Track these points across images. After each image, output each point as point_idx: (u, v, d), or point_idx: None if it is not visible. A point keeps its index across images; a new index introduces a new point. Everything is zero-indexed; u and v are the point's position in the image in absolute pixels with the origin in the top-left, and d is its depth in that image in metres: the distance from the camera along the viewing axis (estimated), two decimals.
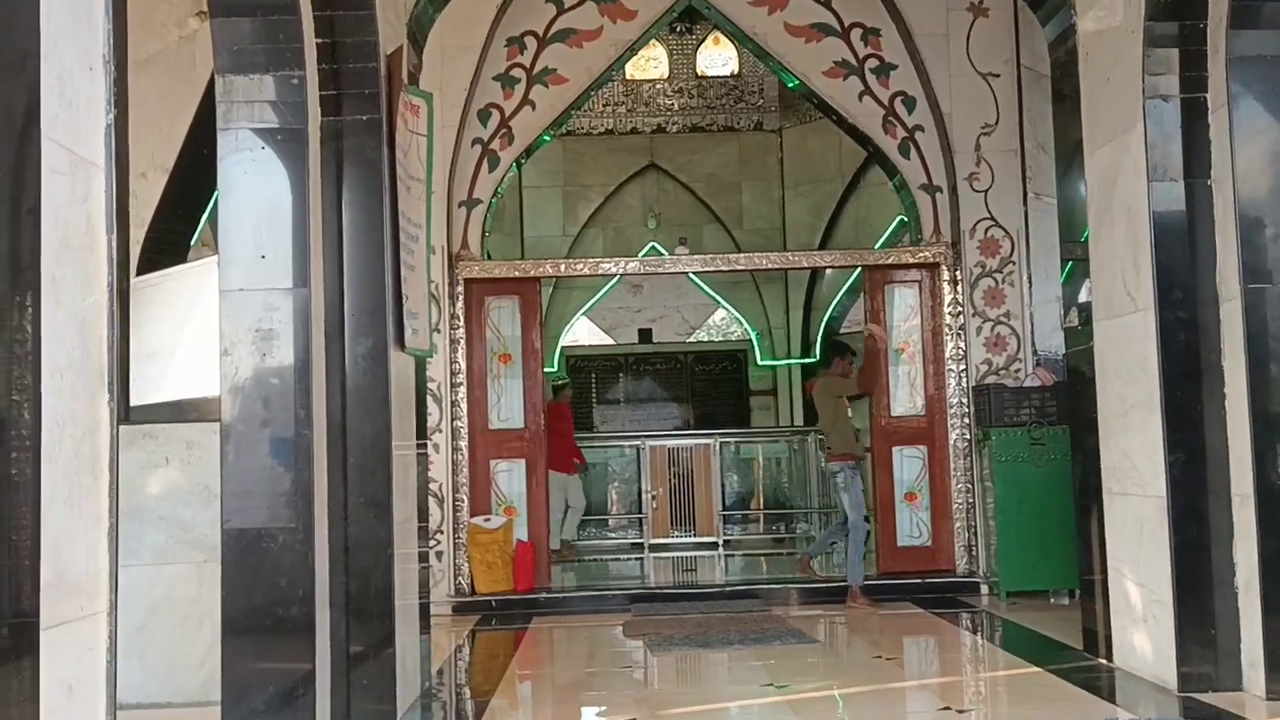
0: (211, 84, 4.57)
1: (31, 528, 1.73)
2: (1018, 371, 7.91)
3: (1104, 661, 5.33)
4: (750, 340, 16.20)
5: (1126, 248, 4.98)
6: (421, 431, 5.67)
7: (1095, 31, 5.26)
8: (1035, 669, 5.38)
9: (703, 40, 15.20)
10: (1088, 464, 5.57)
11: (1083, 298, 10.12)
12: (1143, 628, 4.96)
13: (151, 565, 5.14)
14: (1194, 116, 4.78)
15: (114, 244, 2.20)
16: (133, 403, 5.57)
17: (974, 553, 7.95)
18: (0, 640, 1.63)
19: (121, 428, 5.21)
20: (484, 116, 8.07)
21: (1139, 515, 4.96)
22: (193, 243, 8.23)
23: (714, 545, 10.57)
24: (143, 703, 4.99)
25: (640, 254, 14.03)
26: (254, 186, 4.52)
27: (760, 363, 16.18)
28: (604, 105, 15.09)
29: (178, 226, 7.92)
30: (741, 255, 9.72)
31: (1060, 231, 6.56)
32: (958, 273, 8.05)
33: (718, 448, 11.03)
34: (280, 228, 4.52)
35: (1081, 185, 5.64)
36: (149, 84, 6.87)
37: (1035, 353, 7.91)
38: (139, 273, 6.30)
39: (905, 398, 8.32)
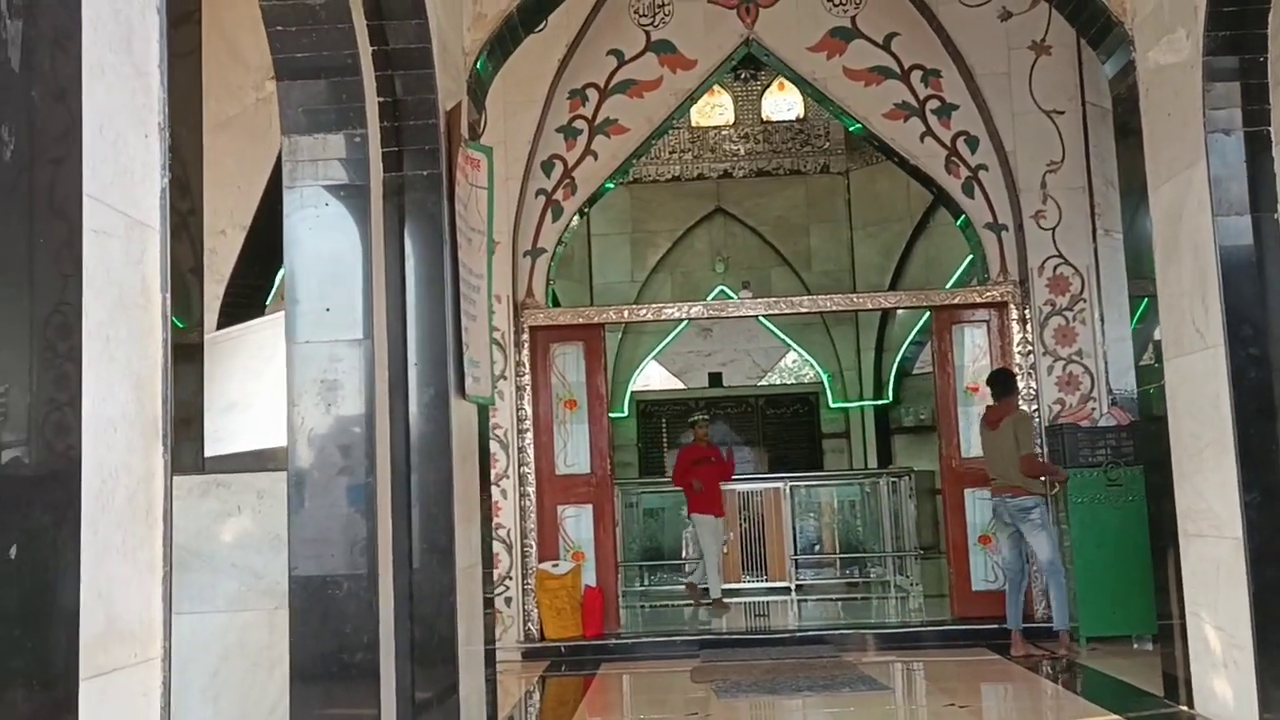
0: None
1: (76, 576, 1.80)
2: (1093, 410, 7.74)
3: (1185, 708, 5.16)
4: (822, 383, 16.10)
5: (1194, 284, 4.88)
6: (485, 478, 5.75)
7: (1155, 67, 5.20)
8: (1114, 717, 5.22)
9: (767, 86, 15.30)
10: (1162, 505, 5.43)
11: (1155, 335, 9.92)
12: (1223, 673, 4.80)
13: (225, 612, 5.25)
14: (1257, 150, 4.69)
15: (168, 302, 2.29)
16: (211, 453, 5.74)
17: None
18: (45, 688, 1.70)
19: (195, 478, 5.40)
20: (547, 168, 8.21)
21: (1215, 557, 4.81)
22: (270, 298, 8.50)
23: (786, 590, 10.45)
24: None
25: (708, 297, 14.10)
26: (319, 241, 4.66)
27: (832, 405, 16.07)
28: (670, 152, 15.24)
29: (255, 281, 8.17)
30: (805, 298, 9.67)
31: (1128, 268, 6.44)
32: (1026, 311, 7.93)
33: (788, 491, 10.94)
34: (344, 281, 4.65)
35: (1148, 222, 5.55)
36: (228, 145, 7.13)
37: (1110, 391, 7.75)
38: (218, 327, 6.52)
39: (977, 439, 8.17)
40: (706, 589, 9.49)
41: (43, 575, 1.70)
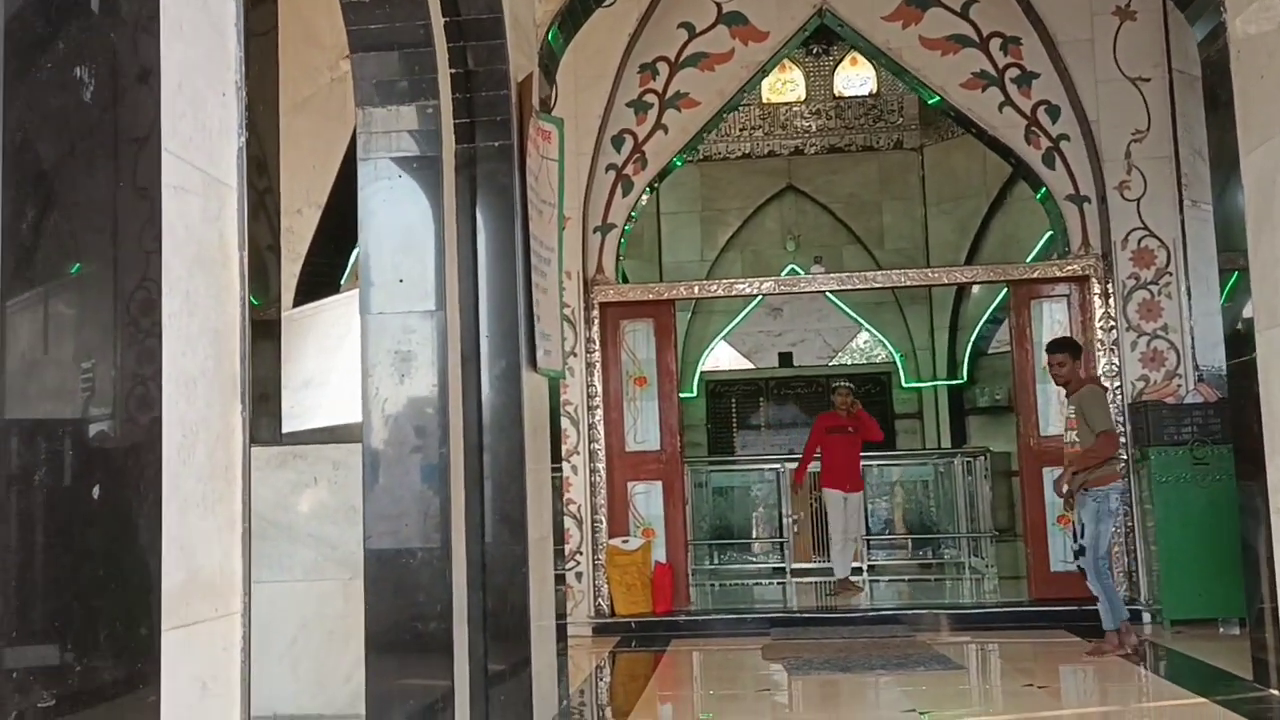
0: None
1: (158, 525, 1.81)
2: (1178, 387, 7.51)
3: (1275, 693, 4.99)
4: (894, 362, 15.88)
5: None
6: (556, 452, 5.75)
7: (1246, 28, 4.99)
8: (1200, 699, 5.07)
9: (839, 61, 15.08)
10: (1252, 484, 5.24)
11: (1246, 310, 9.59)
12: None
13: (302, 582, 5.33)
14: None
15: (245, 261, 2.30)
16: (288, 429, 5.82)
17: (1134, 579, 7.56)
18: (129, 632, 1.71)
19: (272, 449, 5.48)
20: (617, 142, 8.17)
21: None
22: (345, 276, 8.59)
23: (858, 570, 10.34)
24: (295, 714, 5.17)
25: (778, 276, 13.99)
26: (392, 213, 4.68)
27: (905, 385, 15.84)
28: (740, 129, 15.11)
29: (331, 260, 8.27)
30: (879, 273, 9.53)
31: (1218, 240, 6.21)
32: (1109, 285, 7.71)
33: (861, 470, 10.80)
34: (417, 252, 4.66)
35: (1239, 190, 5.34)
36: (304, 125, 7.21)
37: (1196, 368, 7.51)
38: (294, 305, 6.60)
39: (1056, 417, 7.98)
40: (851, 580, 9.09)
41: (126, 521, 1.71)
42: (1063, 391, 8.02)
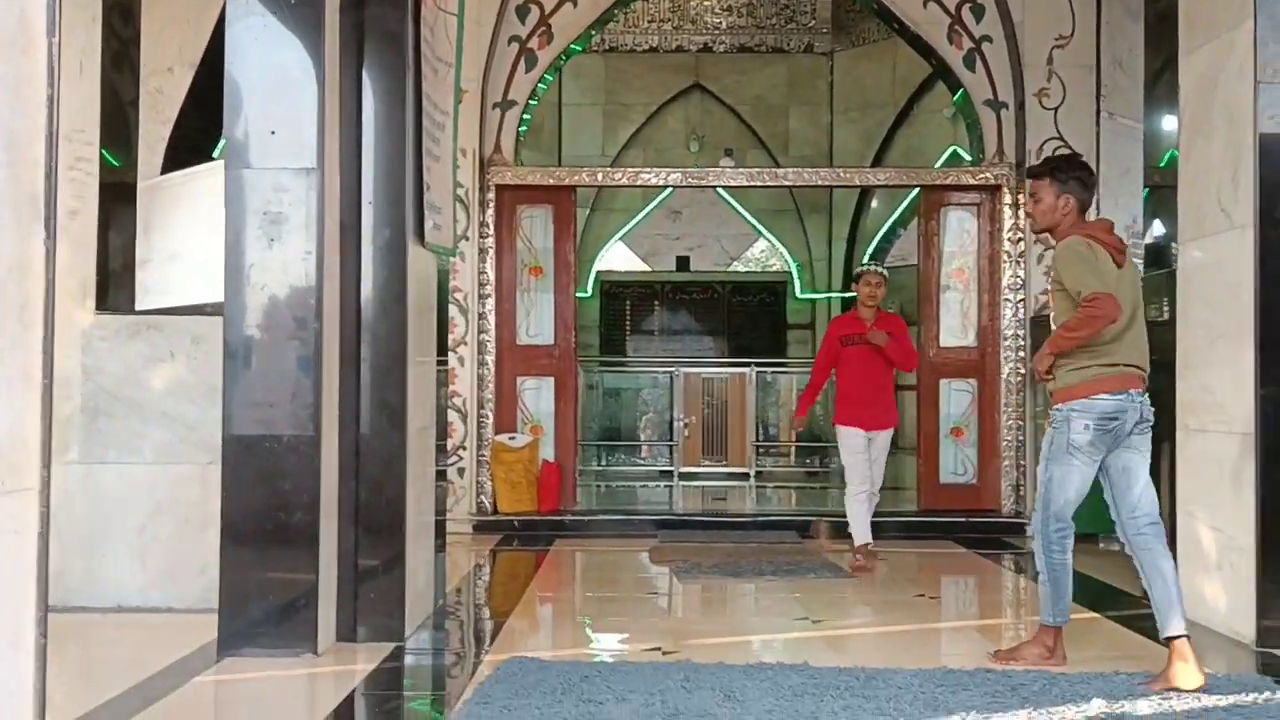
0: None
1: None
2: None
3: None
4: (790, 273, 15.73)
5: (1225, 159, 4.49)
6: (443, 339, 5.32)
7: None
8: (1092, 614, 5.00)
9: None
10: (1159, 400, 5.14)
11: (1158, 228, 9.57)
12: (1216, 576, 4.57)
13: (154, 465, 4.85)
14: None
15: (57, 51, 1.82)
16: (147, 305, 5.26)
17: (1022, 493, 7.54)
18: None
19: (122, 318, 4.92)
20: (522, 13, 7.60)
21: (1219, 454, 4.53)
22: (220, 145, 7.90)
23: (745, 475, 10.24)
24: (143, 606, 4.75)
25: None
26: (264, 54, 4.14)
27: (800, 295, 15.73)
28: (649, 21, 14.49)
29: (203, 126, 7.59)
30: (790, 170, 9.20)
31: (1146, 153, 6.03)
32: (1020, 196, 7.53)
33: (753, 378, 10.64)
34: (291, 101, 4.14)
35: (1171, 104, 5.14)
36: None
37: None
38: (162, 172, 5.97)
39: (956, 328, 7.86)
40: (872, 547, 6.26)
41: None
42: (967, 300, 7.92)
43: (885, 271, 6.53)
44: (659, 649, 4.21)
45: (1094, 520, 6.93)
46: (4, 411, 1.68)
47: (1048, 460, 3.92)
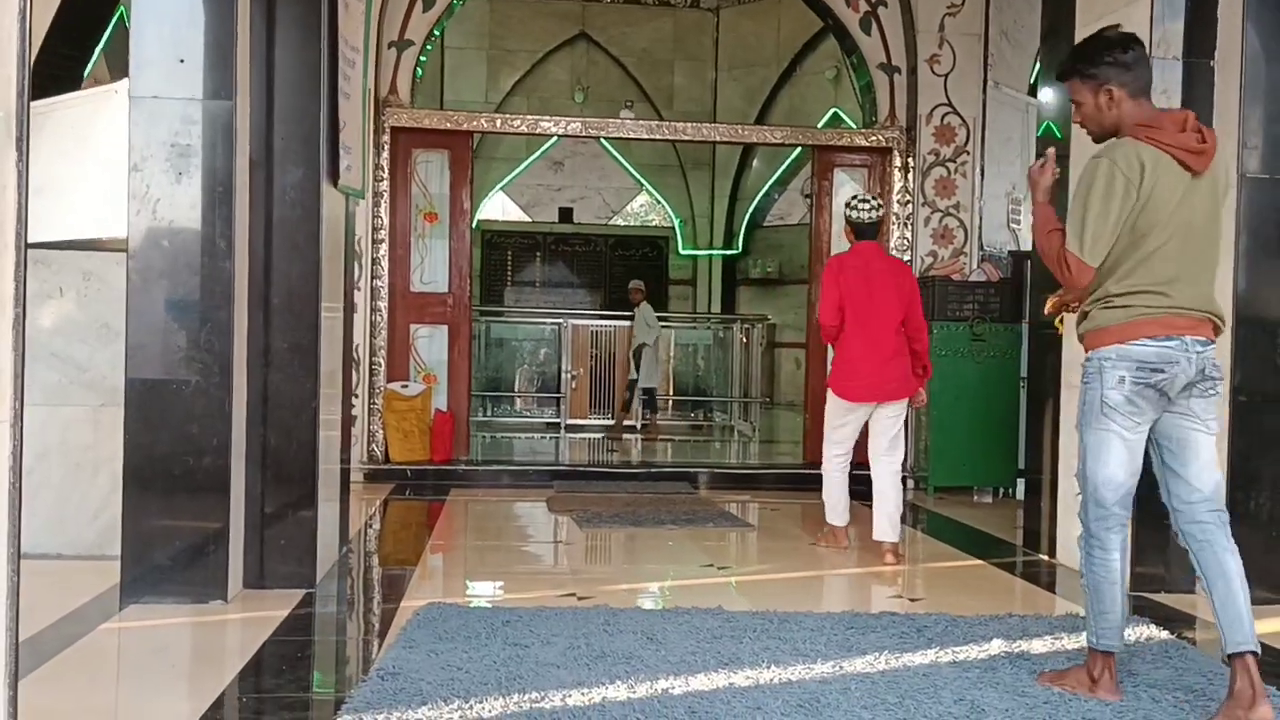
0: None
1: None
2: (963, 266, 7.71)
3: (1045, 558, 5.25)
4: (673, 228, 15.84)
5: None
6: (348, 283, 5.21)
7: None
8: (978, 561, 5.26)
9: None
10: (1045, 358, 5.42)
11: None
12: None
13: (42, 406, 4.62)
14: None
15: None
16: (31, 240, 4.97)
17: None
18: None
19: None
20: None
21: None
22: (86, 74, 7.46)
23: (631, 428, 10.34)
24: (30, 553, 4.46)
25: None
26: None
27: (681, 252, 15.87)
28: None
29: (70, 53, 7.17)
30: (687, 125, 9.21)
31: (1037, 125, 6.27)
32: (910, 160, 7.76)
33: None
34: (200, 28, 3.96)
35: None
36: None
37: (982, 247, 7.72)
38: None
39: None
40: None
41: None
42: None
43: (873, 201, 5.37)
44: (574, 595, 4.26)
45: (972, 474, 7.33)
46: None
47: (1079, 426, 3.11)
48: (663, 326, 11.08)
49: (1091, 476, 3.06)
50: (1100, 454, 3.03)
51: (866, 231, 5.32)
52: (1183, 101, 4.50)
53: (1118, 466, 3.01)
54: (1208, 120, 4.48)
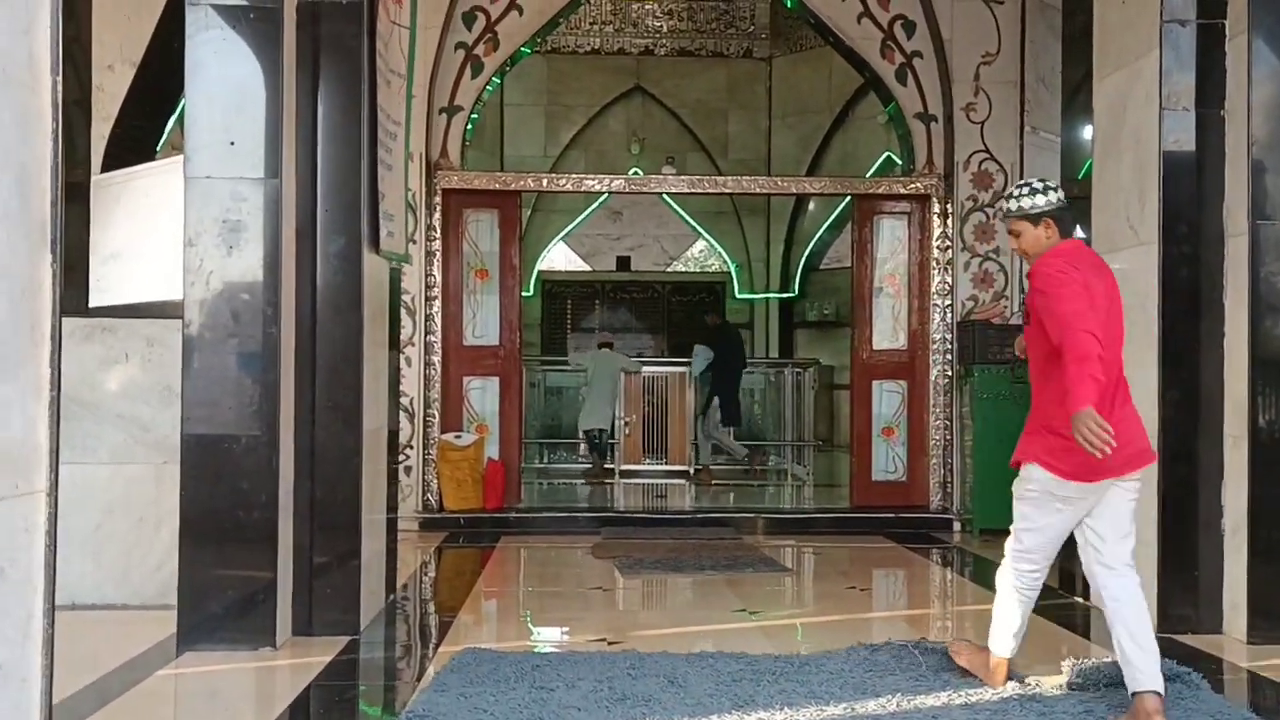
0: None
1: None
2: (1004, 309, 7.78)
3: (1080, 600, 5.27)
4: (729, 273, 16.02)
5: (1133, 179, 4.81)
6: (394, 342, 5.48)
7: None
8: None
9: None
10: None
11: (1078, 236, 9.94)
12: None
13: (109, 464, 4.95)
14: (1210, 43, 4.59)
15: (60, 89, 1.97)
16: (96, 303, 5.33)
17: (949, 489, 7.88)
18: None
19: (78, 320, 5.01)
20: (468, 20, 7.75)
21: None
22: (161, 143, 7.91)
23: (684, 473, 10.48)
24: (98, 603, 4.83)
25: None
26: (223, 68, 4.26)
27: (738, 295, 16.02)
28: (591, 23, 14.69)
29: (145, 124, 7.60)
30: (729, 178, 9.44)
31: (1063, 167, 6.38)
32: (949, 206, 7.87)
33: (691, 377, 10.88)
34: (251, 114, 4.28)
35: (1087, 119, 5.46)
36: None
37: (1022, 290, 7.77)
38: (103, 169, 6.03)
39: (888, 331, 8.18)
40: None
41: None
42: (898, 304, 8.24)
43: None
44: (605, 640, 4.42)
45: None
46: (18, 420, 1.84)
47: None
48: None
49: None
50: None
51: (1070, 225, 3.69)
52: (1197, 147, 4.59)
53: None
54: (1219, 169, 4.57)
